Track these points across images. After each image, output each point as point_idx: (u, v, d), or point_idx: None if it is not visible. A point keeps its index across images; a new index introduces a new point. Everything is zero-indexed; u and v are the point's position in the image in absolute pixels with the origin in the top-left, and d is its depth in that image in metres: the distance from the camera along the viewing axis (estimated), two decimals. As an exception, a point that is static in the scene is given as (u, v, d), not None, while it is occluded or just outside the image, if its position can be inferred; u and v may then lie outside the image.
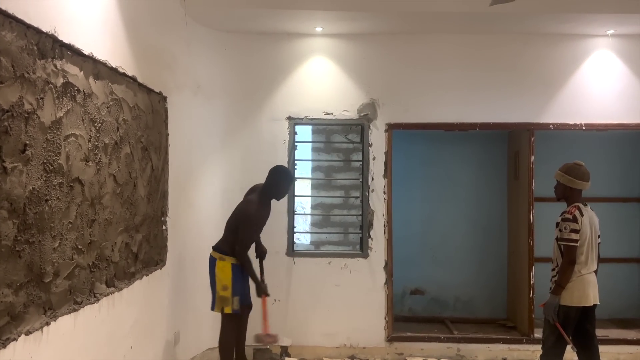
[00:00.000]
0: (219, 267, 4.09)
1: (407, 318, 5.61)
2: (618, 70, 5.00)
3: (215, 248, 4.18)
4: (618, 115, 4.98)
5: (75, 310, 2.54)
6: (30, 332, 2.16)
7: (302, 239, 5.99)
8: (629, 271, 5.69)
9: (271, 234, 4.93)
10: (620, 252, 5.61)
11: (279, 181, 4.21)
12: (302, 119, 5.01)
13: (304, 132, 5.35)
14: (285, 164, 4.95)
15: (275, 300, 4.89)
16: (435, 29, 4.91)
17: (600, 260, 3.80)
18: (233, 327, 4.18)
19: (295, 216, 5.09)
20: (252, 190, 4.32)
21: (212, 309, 4.13)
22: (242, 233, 4.09)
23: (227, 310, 4.07)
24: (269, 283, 5.08)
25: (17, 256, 2.06)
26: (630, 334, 5.08)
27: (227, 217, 5.07)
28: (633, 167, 5.73)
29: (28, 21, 2.10)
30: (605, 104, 4.99)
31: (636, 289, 5.69)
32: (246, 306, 4.29)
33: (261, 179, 5.11)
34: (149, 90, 3.57)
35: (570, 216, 3.64)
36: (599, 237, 3.77)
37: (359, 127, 5.16)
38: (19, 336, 2.08)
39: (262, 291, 4.20)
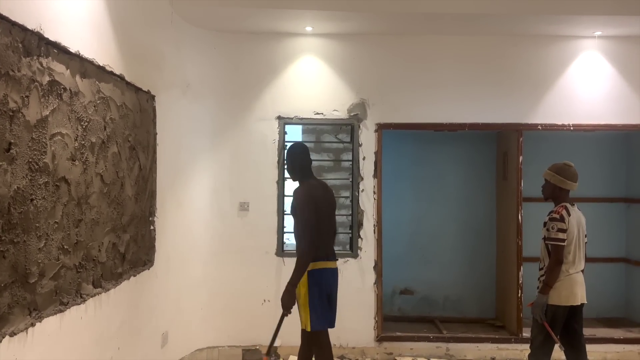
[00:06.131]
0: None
1: (396, 318, 5.63)
2: (605, 72, 5.04)
3: (333, 257, 3.77)
4: (605, 116, 5.02)
5: (61, 311, 2.51)
6: (15, 334, 2.13)
7: (292, 239, 5.96)
8: (615, 271, 5.74)
9: (260, 234, 4.92)
10: (606, 252, 5.67)
11: (287, 162, 3.81)
12: (292, 118, 5.00)
13: (294, 132, 5.34)
14: (275, 164, 4.94)
15: (264, 300, 4.88)
16: (425, 30, 4.93)
17: (587, 260, 3.83)
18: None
19: (285, 216, 5.07)
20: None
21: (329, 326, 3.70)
22: (301, 211, 3.56)
23: None
24: (259, 284, 5.05)
25: (2, 256, 2.03)
26: (617, 333, 5.13)
27: (216, 216, 5.06)
28: (620, 168, 5.79)
29: (13, 18, 2.07)
30: (592, 104, 5.03)
31: (622, 288, 5.75)
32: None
33: (251, 178, 5.10)
34: (137, 89, 3.54)
35: (557, 216, 3.66)
36: (585, 236, 3.79)
37: (349, 127, 5.16)
38: (4, 337, 2.05)
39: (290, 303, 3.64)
